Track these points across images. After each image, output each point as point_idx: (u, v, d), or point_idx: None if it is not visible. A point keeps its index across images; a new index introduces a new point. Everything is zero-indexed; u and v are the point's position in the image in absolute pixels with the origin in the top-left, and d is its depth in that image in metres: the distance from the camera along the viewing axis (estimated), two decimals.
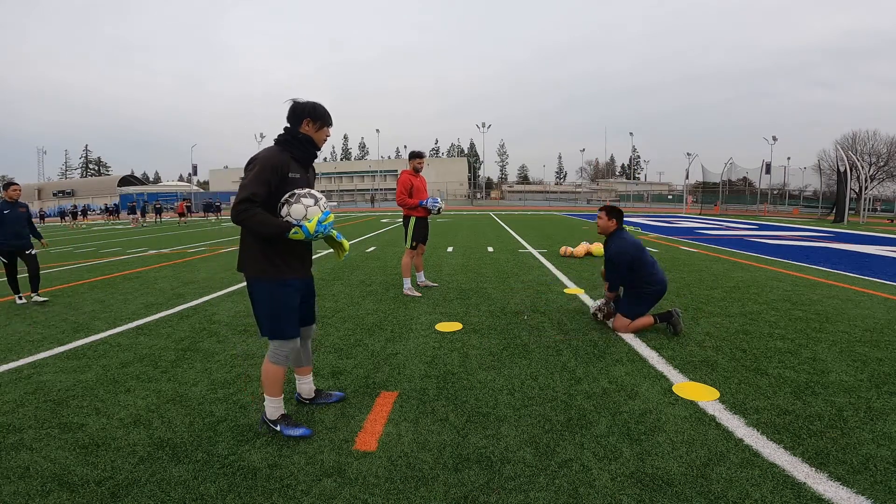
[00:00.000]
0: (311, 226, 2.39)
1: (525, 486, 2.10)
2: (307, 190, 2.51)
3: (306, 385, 2.91)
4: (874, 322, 4.57)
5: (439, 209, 5.91)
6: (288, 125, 2.58)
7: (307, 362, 2.88)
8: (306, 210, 2.42)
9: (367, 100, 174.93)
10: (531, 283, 6.75)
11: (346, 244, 2.69)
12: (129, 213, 31.65)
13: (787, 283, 6.64)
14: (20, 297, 5.96)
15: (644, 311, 4.28)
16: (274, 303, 2.52)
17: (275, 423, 2.58)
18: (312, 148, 2.62)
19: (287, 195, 2.47)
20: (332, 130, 2.71)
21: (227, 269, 8.43)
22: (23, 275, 6.16)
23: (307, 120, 2.55)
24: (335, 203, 58.95)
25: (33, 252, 6.26)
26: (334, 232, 2.54)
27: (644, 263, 4.26)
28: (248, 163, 2.50)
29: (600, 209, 4.52)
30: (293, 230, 2.37)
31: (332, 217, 2.50)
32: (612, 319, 4.42)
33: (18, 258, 6.18)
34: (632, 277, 4.30)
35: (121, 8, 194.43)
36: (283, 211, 2.45)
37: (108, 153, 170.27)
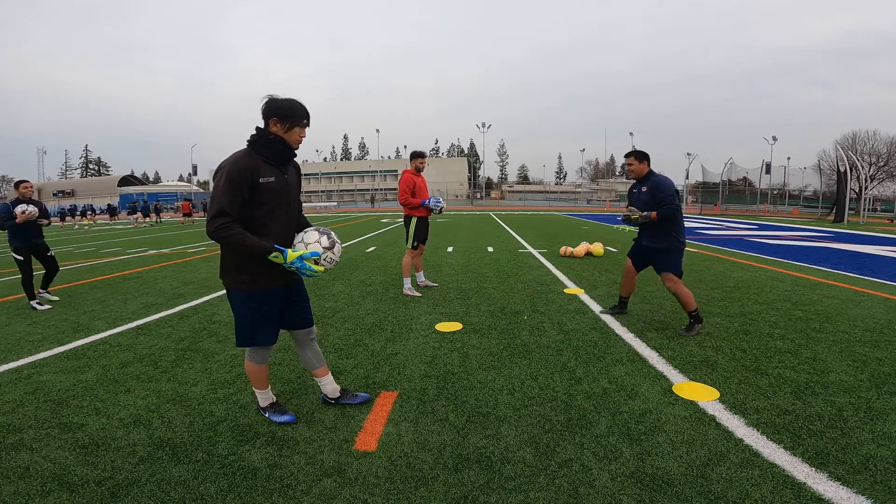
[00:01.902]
0: (292, 255, 2.35)
1: (525, 486, 2.10)
2: (334, 239, 2.51)
3: (328, 385, 2.86)
4: (874, 322, 4.57)
5: (441, 209, 5.92)
6: (260, 125, 2.43)
7: (319, 363, 2.83)
8: (307, 244, 2.44)
9: (367, 100, 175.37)
10: (531, 283, 6.75)
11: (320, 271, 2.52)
12: (128, 214, 31.71)
13: (787, 283, 6.64)
14: (38, 303, 5.78)
15: (681, 269, 4.29)
16: (248, 313, 2.48)
17: (264, 410, 2.74)
18: (285, 149, 2.43)
19: (324, 228, 2.55)
20: (307, 131, 2.50)
21: None
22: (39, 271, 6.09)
23: (273, 120, 2.38)
24: (335, 203, 58.95)
25: (51, 253, 6.23)
26: (308, 271, 2.42)
27: (680, 210, 4.24)
28: (216, 171, 2.35)
29: (627, 155, 4.48)
30: (274, 254, 2.31)
31: (317, 268, 2.41)
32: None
33: (35, 259, 6.07)
34: (673, 224, 4.21)
35: (121, 8, 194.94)
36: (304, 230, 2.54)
37: (108, 153, 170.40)
